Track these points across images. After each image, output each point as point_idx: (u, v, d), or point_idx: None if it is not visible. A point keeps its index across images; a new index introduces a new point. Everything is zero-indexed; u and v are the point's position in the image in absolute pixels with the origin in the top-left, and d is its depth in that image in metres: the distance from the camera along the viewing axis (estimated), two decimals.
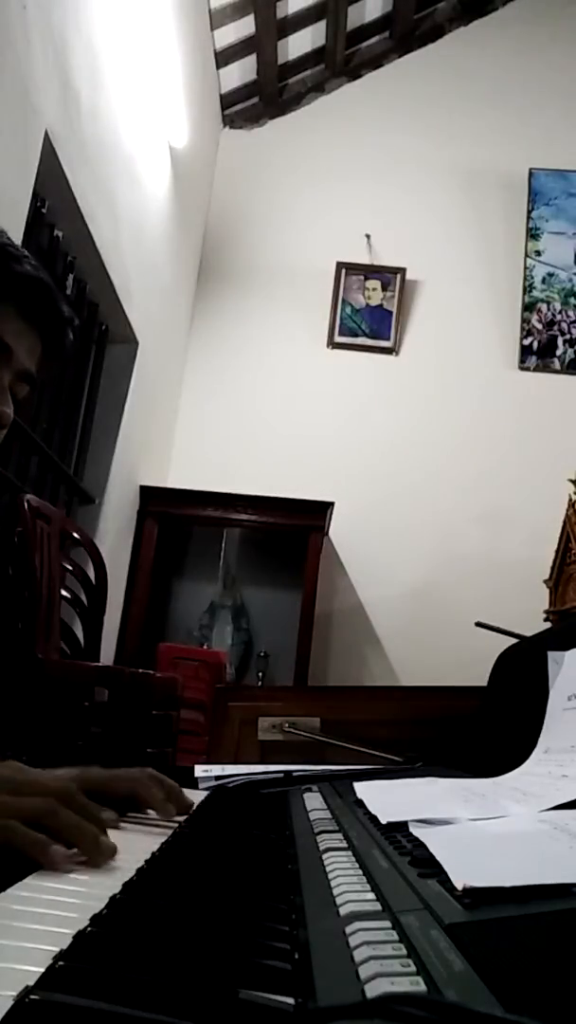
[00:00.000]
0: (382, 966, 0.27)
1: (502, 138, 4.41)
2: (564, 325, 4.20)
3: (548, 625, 2.77)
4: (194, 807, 0.71)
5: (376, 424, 4.10)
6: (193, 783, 0.90)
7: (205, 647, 3.76)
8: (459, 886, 0.34)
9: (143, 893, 0.42)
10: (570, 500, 2.89)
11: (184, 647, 3.62)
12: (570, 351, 4.17)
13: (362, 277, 4.30)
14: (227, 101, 4.52)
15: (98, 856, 0.46)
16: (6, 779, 0.50)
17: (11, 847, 0.45)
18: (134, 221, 3.25)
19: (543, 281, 4.26)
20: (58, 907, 0.40)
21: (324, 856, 0.46)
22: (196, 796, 0.82)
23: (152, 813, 0.67)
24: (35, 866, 0.45)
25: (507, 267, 4.29)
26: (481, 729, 1.15)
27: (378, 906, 0.35)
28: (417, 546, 3.93)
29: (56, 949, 0.30)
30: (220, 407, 4.18)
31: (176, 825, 0.64)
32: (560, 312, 4.22)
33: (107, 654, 3.17)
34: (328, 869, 0.43)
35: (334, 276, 4.27)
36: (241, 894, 0.41)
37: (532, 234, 4.32)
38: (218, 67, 4.27)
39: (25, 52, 2.16)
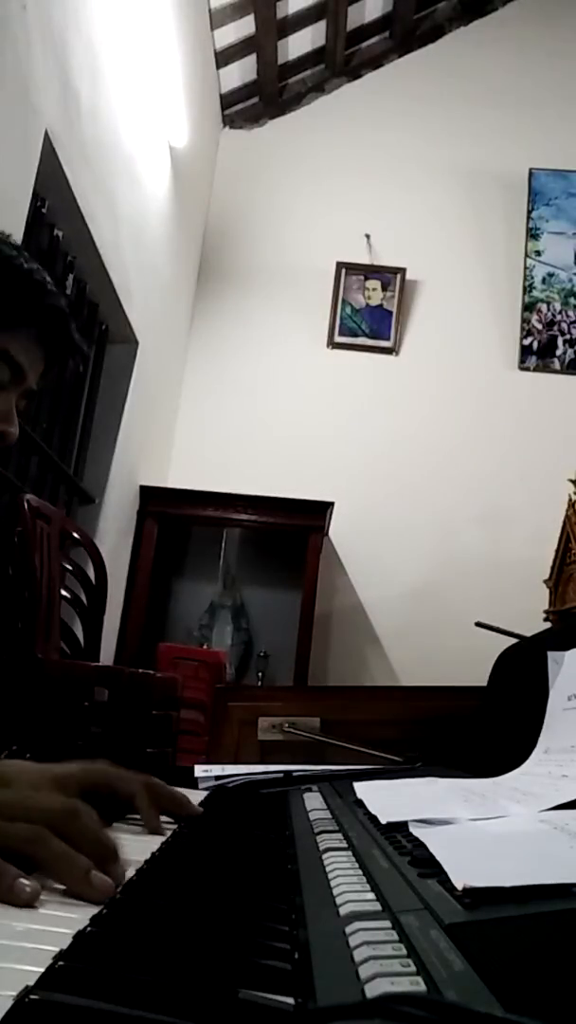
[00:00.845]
0: (382, 966, 0.27)
1: (502, 138, 4.41)
2: (564, 325, 4.20)
3: (548, 625, 2.77)
4: (192, 816, 0.68)
5: (376, 424, 4.10)
6: (193, 783, 0.90)
7: (205, 647, 3.76)
8: (459, 886, 0.34)
9: (143, 893, 0.42)
10: (570, 500, 2.89)
11: (184, 647, 3.62)
12: (570, 351, 4.17)
13: (362, 277, 4.30)
14: (227, 101, 4.52)
15: (89, 892, 0.41)
16: (6, 801, 0.47)
17: None
18: (134, 221, 3.25)
19: (543, 281, 4.26)
20: (58, 907, 0.40)
21: (324, 856, 0.46)
22: (196, 796, 0.82)
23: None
24: (31, 867, 0.44)
25: (507, 267, 4.29)
26: (481, 729, 1.15)
27: (378, 906, 0.35)
28: (417, 546, 3.93)
29: (56, 949, 0.30)
30: (220, 407, 4.18)
31: (176, 826, 0.64)
32: (560, 312, 4.22)
33: (107, 654, 3.17)
34: (328, 869, 0.43)
35: (334, 276, 4.27)
36: (241, 894, 0.41)
37: (532, 234, 4.32)
38: (218, 67, 4.27)
39: (25, 52, 2.16)
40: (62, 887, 0.43)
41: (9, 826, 0.44)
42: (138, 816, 0.65)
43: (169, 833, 0.61)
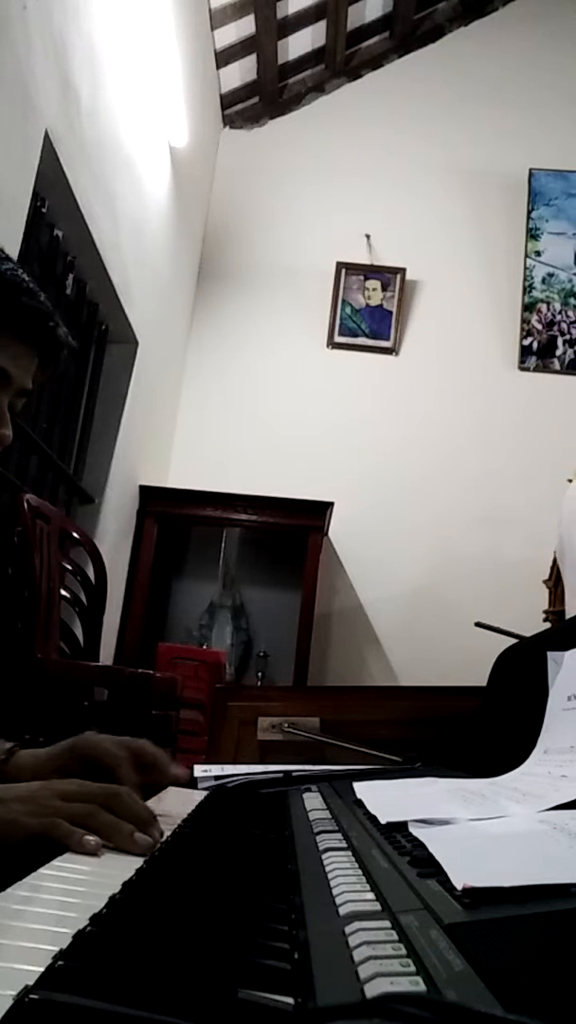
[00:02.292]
0: (382, 966, 0.27)
1: (502, 138, 4.42)
2: (564, 325, 4.20)
3: (547, 625, 2.77)
4: (177, 777, 0.81)
5: (376, 424, 4.10)
6: (192, 783, 0.90)
7: (204, 647, 3.76)
8: (459, 886, 0.34)
9: (143, 893, 0.42)
10: None
11: (183, 647, 3.62)
12: (570, 351, 4.17)
13: (362, 277, 4.30)
14: (227, 101, 4.52)
15: (135, 847, 0.53)
16: (60, 788, 0.60)
17: (52, 838, 0.53)
18: (134, 221, 3.25)
19: (543, 281, 4.26)
20: (58, 907, 0.40)
21: (324, 856, 0.46)
22: (196, 796, 0.82)
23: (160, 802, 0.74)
24: (35, 865, 0.45)
25: (507, 267, 4.29)
26: (480, 729, 1.15)
27: (378, 906, 0.35)
28: (417, 546, 3.93)
29: (56, 949, 0.30)
30: (220, 407, 4.18)
31: (176, 826, 0.64)
32: (560, 312, 4.22)
33: (107, 654, 3.17)
34: (328, 869, 0.43)
35: (334, 276, 4.27)
36: (240, 894, 0.41)
37: (532, 234, 4.32)
38: (218, 67, 4.27)
39: (25, 52, 2.16)
40: (62, 886, 0.43)
41: (71, 806, 0.57)
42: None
43: (173, 825, 0.62)
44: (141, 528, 3.72)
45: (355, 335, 4.25)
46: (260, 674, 3.81)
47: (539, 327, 4.20)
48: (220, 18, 3.99)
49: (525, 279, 4.25)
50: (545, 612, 3.01)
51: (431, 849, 0.42)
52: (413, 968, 0.27)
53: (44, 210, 2.59)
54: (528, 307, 4.22)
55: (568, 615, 2.03)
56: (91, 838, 0.52)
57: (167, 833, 0.61)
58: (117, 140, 2.97)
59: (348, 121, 4.52)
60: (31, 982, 0.27)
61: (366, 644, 3.89)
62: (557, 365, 4.16)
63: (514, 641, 1.37)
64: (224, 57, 4.25)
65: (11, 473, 2.56)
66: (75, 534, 2.69)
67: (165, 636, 3.83)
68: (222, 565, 3.97)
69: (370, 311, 4.27)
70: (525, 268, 4.27)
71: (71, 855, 0.51)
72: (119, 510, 3.48)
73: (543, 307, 4.22)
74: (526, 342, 4.17)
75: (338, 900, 0.36)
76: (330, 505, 3.71)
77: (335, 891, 0.38)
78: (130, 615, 3.62)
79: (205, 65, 4.07)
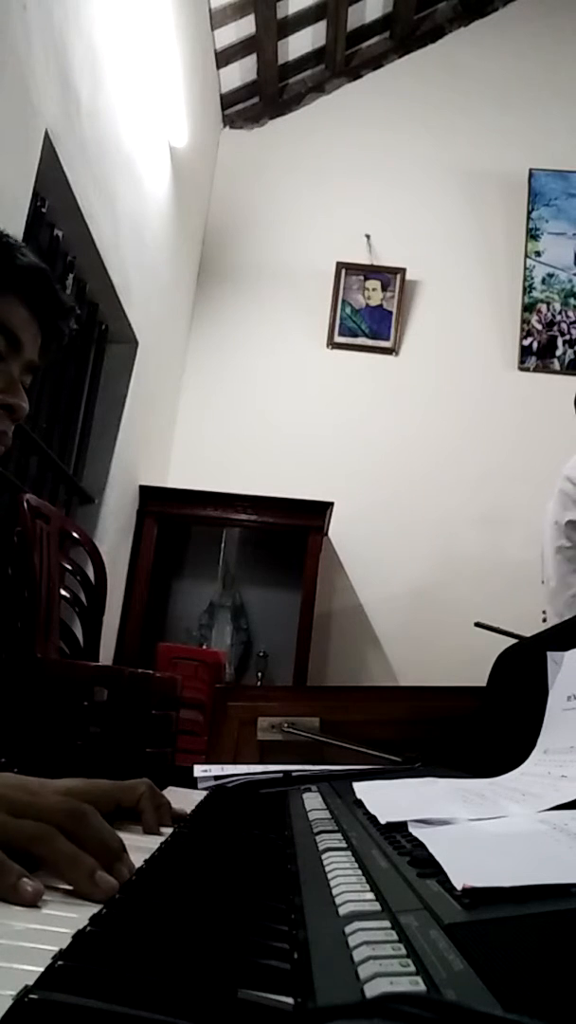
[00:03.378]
0: (381, 966, 0.27)
1: (502, 138, 4.42)
2: (564, 326, 4.20)
3: (547, 625, 2.77)
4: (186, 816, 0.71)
5: (376, 424, 4.10)
6: (192, 783, 0.90)
7: (204, 647, 3.75)
8: (458, 886, 0.34)
9: (142, 893, 0.42)
10: None
11: (183, 647, 3.62)
12: (570, 352, 4.17)
13: (362, 277, 4.30)
14: (227, 101, 4.52)
15: (94, 892, 0.41)
16: (9, 798, 0.46)
17: None
18: (134, 221, 3.25)
19: (543, 282, 4.26)
20: (57, 907, 0.40)
21: (323, 856, 0.46)
22: (195, 796, 0.82)
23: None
24: (35, 864, 0.44)
25: (507, 267, 4.29)
26: (480, 729, 1.15)
27: (377, 906, 0.35)
28: (416, 546, 3.93)
29: (55, 949, 0.30)
30: (220, 407, 4.18)
31: (174, 827, 0.64)
32: (560, 313, 4.22)
33: (106, 654, 3.17)
34: (327, 869, 0.43)
35: (334, 276, 4.27)
36: (240, 894, 0.41)
37: (532, 235, 4.32)
38: (218, 67, 4.27)
39: (25, 52, 2.16)
40: (64, 886, 0.43)
41: (18, 823, 0.44)
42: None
43: (167, 834, 0.62)
44: (141, 528, 3.72)
45: (355, 335, 4.25)
46: (260, 674, 3.81)
47: (539, 327, 4.20)
48: (220, 18, 3.99)
49: (525, 279, 4.25)
50: (545, 612, 3.00)
51: (431, 849, 0.42)
52: (413, 968, 0.27)
53: (44, 210, 2.59)
54: (528, 307, 4.22)
55: (546, 616, 2.05)
56: (29, 885, 0.39)
57: (166, 833, 0.61)
58: (117, 140, 2.97)
59: (348, 121, 4.52)
60: (31, 982, 0.27)
61: (366, 644, 3.89)
62: (557, 365, 4.16)
63: (514, 641, 1.38)
64: (224, 57, 4.25)
65: (11, 473, 2.56)
66: (75, 534, 2.69)
67: (165, 636, 3.83)
68: (222, 565, 3.97)
69: (370, 311, 4.27)
70: (525, 268, 4.27)
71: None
72: (119, 510, 3.48)
73: (543, 307, 4.22)
74: (526, 342, 4.17)
75: (338, 900, 0.36)
76: (330, 505, 3.71)
77: (335, 891, 0.38)
78: (130, 615, 3.62)
79: (205, 65, 4.07)
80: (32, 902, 0.39)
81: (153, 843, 0.55)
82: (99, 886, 0.41)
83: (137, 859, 0.48)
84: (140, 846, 0.53)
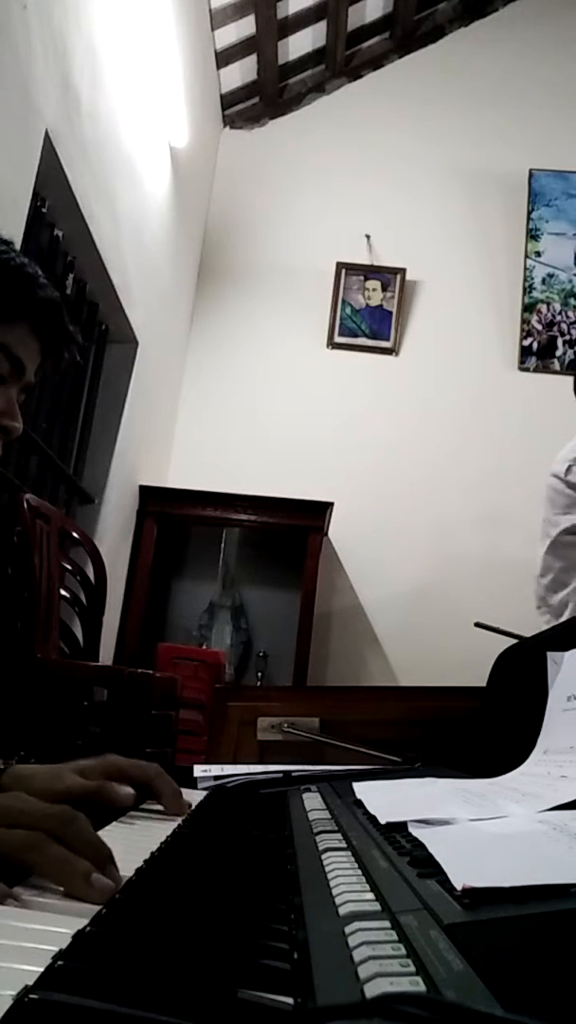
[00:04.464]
0: (381, 966, 0.27)
1: (502, 138, 4.42)
2: (564, 326, 4.20)
3: (547, 626, 2.76)
4: (191, 808, 0.72)
5: (376, 424, 4.10)
6: (192, 783, 0.90)
7: (204, 647, 3.75)
8: (458, 886, 0.34)
9: (142, 893, 0.42)
10: None
11: (183, 647, 3.62)
12: (570, 352, 4.17)
13: (362, 277, 4.30)
14: (227, 101, 4.52)
15: (91, 894, 0.41)
16: (4, 807, 0.47)
17: None
18: (134, 221, 3.25)
19: (543, 282, 4.26)
20: (57, 907, 0.40)
21: (323, 856, 0.46)
22: (195, 796, 0.82)
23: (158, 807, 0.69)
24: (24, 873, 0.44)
25: (507, 268, 4.29)
26: (480, 730, 1.15)
27: (377, 906, 0.35)
28: (416, 546, 3.93)
29: (55, 949, 0.30)
30: (220, 407, 4.18)
31: (176, 824, 0.64)
32: (560, 313, 4.22)
33: (106, 654, 3.17)
34: (327, 869, 0.43)
35: (334, 276, 4.27)
36: (240, 894, 0.41)
37: (532, 235, 4.32)
38: (218, 67, 4.27)
39: (25, 52, 2.16)
40: (61, 889, 0.43)
41: (8, 833, 0.44)
42: (146, 808, 0.66)
43: (173, 825, 0.62)
44: (141, 528, 3.72)
45: (355, 335, 4.25)
46: (260, 674, 3.81)
47: (539, 327, 4.20)
48: (220, 18, 4.00)
49: (525, 280, 4.25)
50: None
51: (431, 849, 0.42)
52: (413, 968, 0.27)
53: (44, 210, 2.59)
54: (528, 307, 4.22)
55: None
56: (12, 893, 0.40)
57: (167, 833, 0.61)
58: (117, 140, 2.97)
59: (348, 121, 4.52)
60: (31, 982, 0.27)
61: (366, 644, 3.89)
62: (557, 366, 4.16)
63: (514, 641, 1.38)
64: (224, 57, 4.25)
65: (11, 473, 2.56)
66: (75, 534, 2.69)
67: (165, 636, 3.83)
68: (222, 565, 3.97)
69: (370, 311, 4.27)
70: (525, 268, 4.27)
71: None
72: (119, 510, 3.48)
73: (543, 307, 4.22)
74: (526, 342, 4.17)
75: (338, 900, 0.36)
76: (330, 505, 3.71)
77: (335, 891, 0.38)
78: (130, 615, 3.62)
79: (205, 65, 4.07)
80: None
81: (153, 843, 0.55)
82: (94, 888, 0.41)
83: (137, 859, 0.48)
84: (140, 846, 0.53)
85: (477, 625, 2.22)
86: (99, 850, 0.45)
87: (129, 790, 0.51)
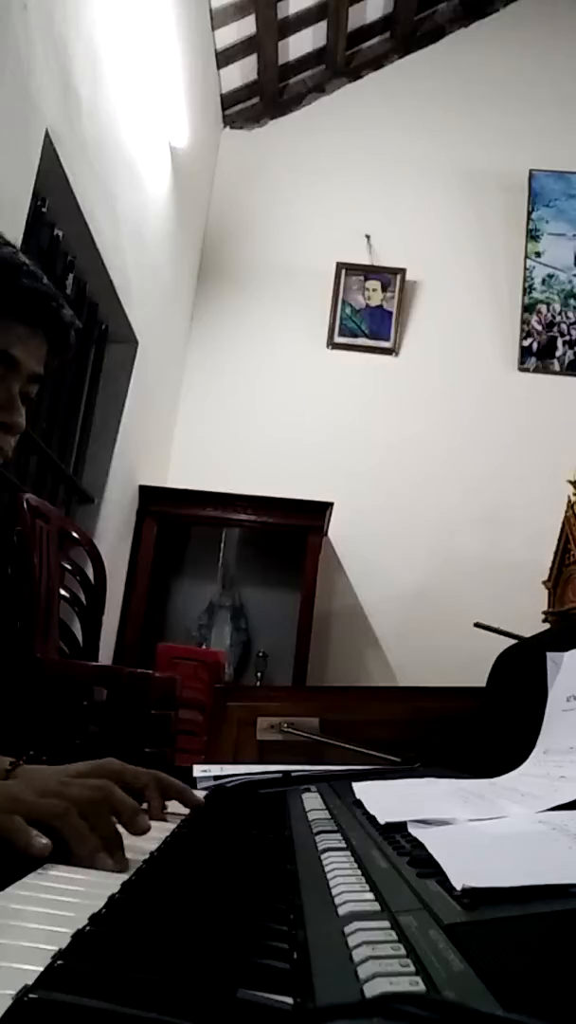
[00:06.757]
0: (381, 966, 0.27)
1: (502, 139, 4.42)
2: (564, 326, 4.20)
3: (547, 626, 2.77)
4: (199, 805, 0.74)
5: (375, 425, 4.10)
6: (192, 783, 0.90)
7: (204, 647, 3.75)
8: (458, 886, 0.34)
9: (142, 893, 0.42)
10: (569, 501, 2.89)
11: (183, 647, 3.61)
12: (570, 352, 4.17)
13: (362, 277, 4.30)
14: (228, 101, 4.52)
15: (92, 865, 0.48)
16: (40, 787, 0.55)
17: (7, 839, 0.48)
18: (134, 221, 3.25)
19: (543, 282, 4.26)
20: (57, 907, 0.40)
21: (323, 856, 0.46)
22: None
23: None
24: (33, 866, 0.45)
25: (507, 268, 4.29)
26: (480, 730, 1.15)
27: (377, 906, 0.35)
28: (416, 547, 3.93)
29: (55, 948, 0.30)
30: (220, 407, 4.18)
31: (176, 825, 0.65)
32: (560, 313, 4.22)
33: (106, 654, 3.17)
34: (327, 869, 0.43)
35: (334, 276, 4.27)
36: (240, 894, 0.41)
37: (532, 235, 4.32)
38: (219, 67, 4.27)
39: (25, 52, 2.16)
40: (62, 886, 0.43)
41: (42, 801, 0.53)
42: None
43: (173, 825, 0.62)
44: (141, 528, 3.72)
45: (355, 335, 4.25)
46: (259, 674, 3.81)
47: (539, 328, 4.20)
48: (221, 18, 4.00)
49: (525, 280, 4.25)
50: (545, 613, 3.01)
51: (430, 849, 0.42)
52: (412, 968, 0.27)
53: (44, 210, 2.59)
54: (528, 308, 4.22)
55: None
56: (39, 840, 0.49)
57: (167, 833, 0.61)
58: (117, 140, 2.97)
59: (348, 121, 4.52)
60: (31, 982, 0.27)
61: (366, 644, 3.89)
62: (557, 366, 4.16)
63: (513, 642, 1.38)
64: (225, 57, 4.25)
65: (11, 473, 2.56)
66: (75, 534, 2.69)
67: (164, 636, 3.83)
68: (222, 565, 3.97)
69: (370, 311, 4.27)
70: (525, 269, 4.27)
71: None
72: (119, 510, 3.48)
73: (543, 308, 4.22)
74: (526, 343, 4.17)
75: (337, 900, 0.36)
76: (330, 505, 3.71)
77: (334, 891, 0.38)
78: (129, 615, 3.62)
79: (206, 65, 4.07)
80: (43, 853, 0.47)
81: (152, 844, 0.55)
82: (96, 864, 0.49)
83: (137, 859, 0.48)
84: (140, 846, 0.53)
85: (477, 625, 2.22)
86: (113, 835, 0.53)
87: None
